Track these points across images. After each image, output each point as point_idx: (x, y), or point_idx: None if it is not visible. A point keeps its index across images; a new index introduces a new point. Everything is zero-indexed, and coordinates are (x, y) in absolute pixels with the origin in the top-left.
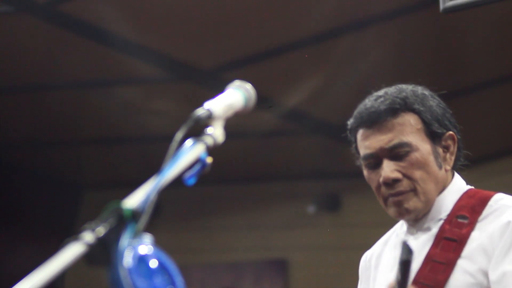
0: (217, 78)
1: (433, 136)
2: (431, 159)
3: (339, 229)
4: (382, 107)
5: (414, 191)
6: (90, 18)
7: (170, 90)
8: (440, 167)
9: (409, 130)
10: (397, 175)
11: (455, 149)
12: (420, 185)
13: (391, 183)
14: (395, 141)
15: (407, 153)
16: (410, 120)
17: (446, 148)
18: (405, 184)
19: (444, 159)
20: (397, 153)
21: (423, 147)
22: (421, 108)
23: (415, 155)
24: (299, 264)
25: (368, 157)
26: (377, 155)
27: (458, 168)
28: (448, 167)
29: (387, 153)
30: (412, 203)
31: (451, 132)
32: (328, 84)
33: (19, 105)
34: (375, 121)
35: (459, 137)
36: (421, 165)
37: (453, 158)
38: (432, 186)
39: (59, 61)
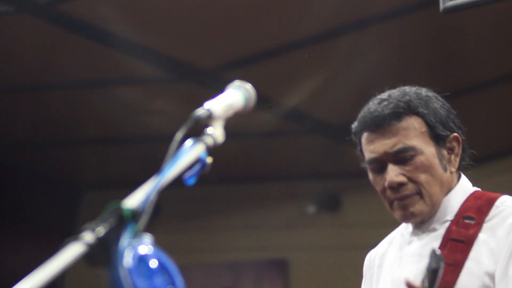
0: (217, 78)
1: (438, 139)
2: (435, 162)
3: (339, 229)
4: (386, 111)
5: (419, 194)
6: (90, 18)
7: (170, 90)
8: (445, 169)
9: (413, 134)
10: (402, 179)
11: (460, 151)
12: (426, 188)
13: (396, 187)
14: (400, 146)
15: (411, 157)
16: (414, 124)
17: (451, 150)
18: (410, 188)
19: (449, 161)
20: (401, 157)
21: (427, 150)
22: (425, 111)
23: (419, 159)
24: (299, 264)
25: (372, 161)
26: (382, 159)
27: (464, 167)
28: (453, 169)
29: (391, 157)
30: (418, 206)
31: (455, 134)
32: (328, 84)
33: (19, 105)
34: (379, 125)
35: (463, 137)
36: (426, 168)
37: (458, 159)
38: (437, 189)
39: (59, 61)
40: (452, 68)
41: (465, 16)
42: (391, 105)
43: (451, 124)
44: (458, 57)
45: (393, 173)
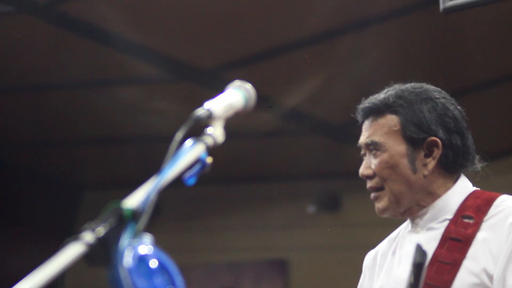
0: (217, 78)
1: (412, 140)
2: (402, 161)
3: (339, 229)
4: (368, 105)
5: (384, 190)
6: (90, 18)
7: (170, 90)
8: (414, 171)
9: (383, 131)
10: (369, 172)
11: (438, 155)
12: (388, 184)
13: (365, 178)
14: (368, 139)
15: (377, 152)
16: (389, 122)
17: (429, 153)
18: (376, 181)
19: (424, 164)
20: (371, 150)
21: (394, 148)
22: (402, 111)
23: (383, 156)
24: (299, 264)
25: (360, 147)
26: (363, 148)
27: (455, 169)
28: (426, 172)
29: (366, 148)
30: (383, 202)
31: (434, 138)
32: (328, 84)
33: (19, 105)
34: (365, 117)
35: (457, 142)
36: (389, 165)
37: (433, 163)
38: (402, 188)
39: (59, 61)
40: (452, 68)
41: (465, 16)
42: (372, 101)
43: (435, 127)
44: (458, 57)
45: (364, 164)
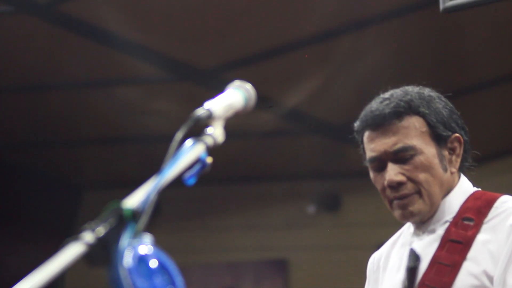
0: (217, 78)
1: (438, 139)
2: (436, 162)
3: (339, 229)
4: (387, 110)
5: (418, 193)
6: (90, 18)
7: (170, 90)
8: (445, 169)
9: (413, 134)
10: (401, 178)
11: (461, 151)
12: (425, 187)
13: (395, 186)
14: (399, 145)
15: (411, 157)
16: (414, 123)
17: (452, 150)
18: (409, 187)
19: (450, 162)
20: (401, 156)
21: (427, 150)
22: (426, 111)
23: (419, 159)
24: (299, 264)
25: (373, 160)
26: (382, 158)
27: (466, 168)
28: (454, 170)
29: (391, 156)
30: (417, 205)
31: (457, 134)
32: (328, 84)
33: (19, 105)
34: (380, 124)
35: (466, 138)
36: (426, 168)
37: (459, 160)
38: (436, 189)
39: (59, 61)
40: (452, 68)
41: (465, 16)
42: (392, 104)
43: (453, 125)
44: (458, 57)
45: (393, 172)
